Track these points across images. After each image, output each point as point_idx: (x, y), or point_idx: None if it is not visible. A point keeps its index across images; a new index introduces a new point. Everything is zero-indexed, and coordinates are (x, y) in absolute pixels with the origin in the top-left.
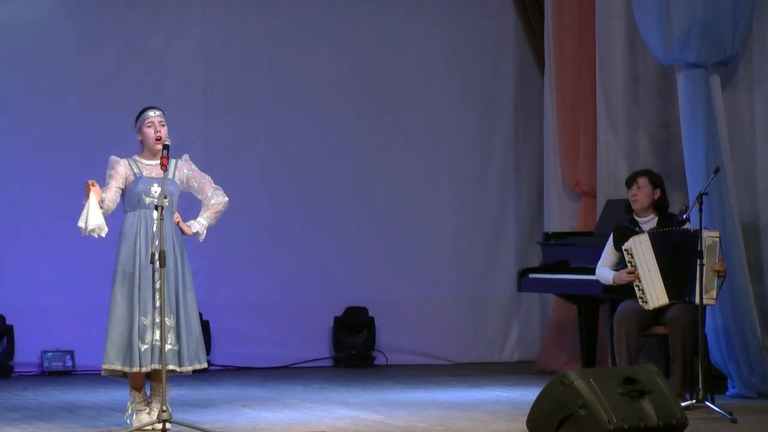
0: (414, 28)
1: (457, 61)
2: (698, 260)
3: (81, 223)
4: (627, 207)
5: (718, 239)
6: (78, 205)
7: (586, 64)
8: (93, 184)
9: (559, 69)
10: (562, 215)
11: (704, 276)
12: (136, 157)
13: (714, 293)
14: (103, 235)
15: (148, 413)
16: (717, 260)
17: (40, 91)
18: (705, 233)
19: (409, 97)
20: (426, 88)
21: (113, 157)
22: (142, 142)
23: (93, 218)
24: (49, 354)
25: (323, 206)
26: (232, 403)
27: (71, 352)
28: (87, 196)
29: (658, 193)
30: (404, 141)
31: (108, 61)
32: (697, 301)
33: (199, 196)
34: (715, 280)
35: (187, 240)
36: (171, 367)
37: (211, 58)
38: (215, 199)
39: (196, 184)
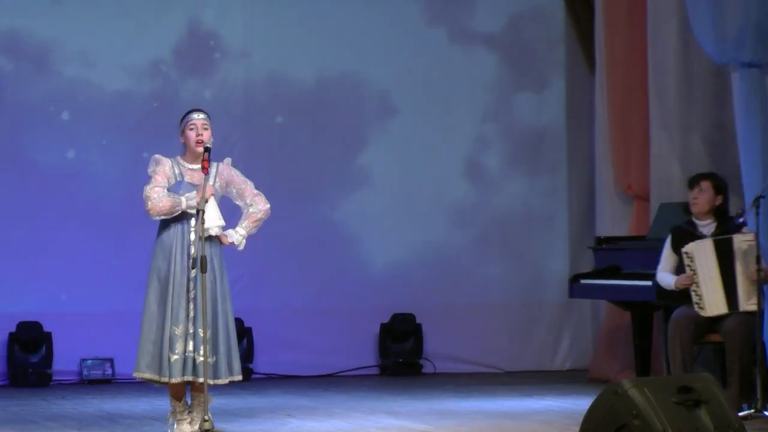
0: (460, 26)
1: (504, 60)
2: (733, 265)
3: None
4: (686, 208)
5: (754, 243)
6: (117, 212)
7: (638, 63)
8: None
9: (609, 68)
10: (614, 219)
11: (743, 282)
12: (180, 159)
13: (755, 299)
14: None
15: (190, 423)
16: (757, 266)
17: (84, 103)
18: (738, 237)
19: (455, 97)
20: (472, 87)
21: (157, 156)
22: (184, 144)
23: (214, 219)
24: (89, 362)
25: (369, 210)
26: (275, 412)
27: (111, 360)
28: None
29: (719, 200)
30: (449, 142)
31: (147, 56)
32: (742, 307)
33: (238, 202)
34: (755, 287)
35: (226, 247)
36: (201, 380)
37: (253, 56)
38: (255, 206)
39: (235, 190)
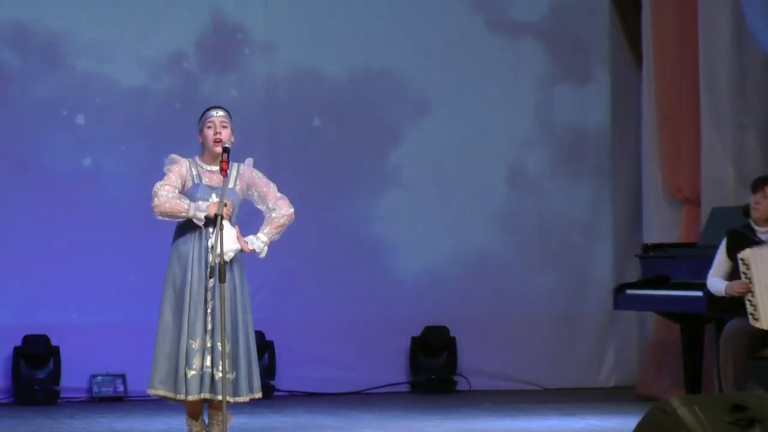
0: (498, 15)
1: (545, 52)
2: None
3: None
4: (745, 211)
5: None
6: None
7: (688, 58)
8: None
9: (657, 63)
10: (662, 225)
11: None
12: (198, 160)
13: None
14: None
15: None
16: None
17: (100, 103)
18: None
19: (492, 96)
20: (510, 81)
21: (174, 156)
22: (202, 144)
23: (230, 242)
24: (99, 378)
25: (401, 214)
26: None
27: (123, 376)
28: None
29: None
30: (486, 143)
31: (163, 53)
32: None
33: (260, 206)
34: None
35: (246, 254)
36: (220, 397)
37: (281, 50)
38: (278, 210)
39: (257, 193)
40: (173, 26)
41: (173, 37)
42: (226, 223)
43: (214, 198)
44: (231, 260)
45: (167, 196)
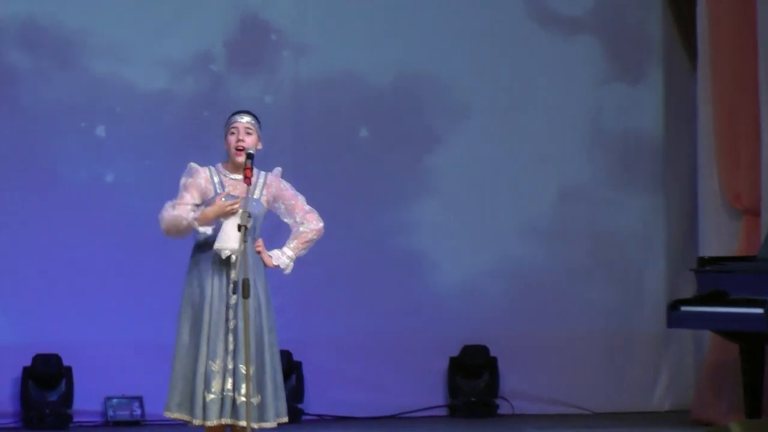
0: (541, 6)
1: (592, 55)
2: None
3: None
4: None
5: None
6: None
7: (747, 57)
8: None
9: (714, 62)
10: (719, 236)
11: None
12: (220, 168)
13: None
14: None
15: None
16: None
17: (120, 112)
18: None
19: (537, 98)
20: (557, 87)
21: (193, 165)
22: (228, 150)
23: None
24: (114, 401)
25: (436, 224)
26: None
27: (139, 399)
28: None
29: None
30: (531, 150)
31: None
32: None
33: (287, 219)
34: None
35: (271, 270)
36: (243, 423)
37: (303, 53)
38: (306, 225)
39: (284, 205)
40: (199, 24)
41: (199, 36)
42: (230, 223)
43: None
44: (254, 276)
45: (173, 213)
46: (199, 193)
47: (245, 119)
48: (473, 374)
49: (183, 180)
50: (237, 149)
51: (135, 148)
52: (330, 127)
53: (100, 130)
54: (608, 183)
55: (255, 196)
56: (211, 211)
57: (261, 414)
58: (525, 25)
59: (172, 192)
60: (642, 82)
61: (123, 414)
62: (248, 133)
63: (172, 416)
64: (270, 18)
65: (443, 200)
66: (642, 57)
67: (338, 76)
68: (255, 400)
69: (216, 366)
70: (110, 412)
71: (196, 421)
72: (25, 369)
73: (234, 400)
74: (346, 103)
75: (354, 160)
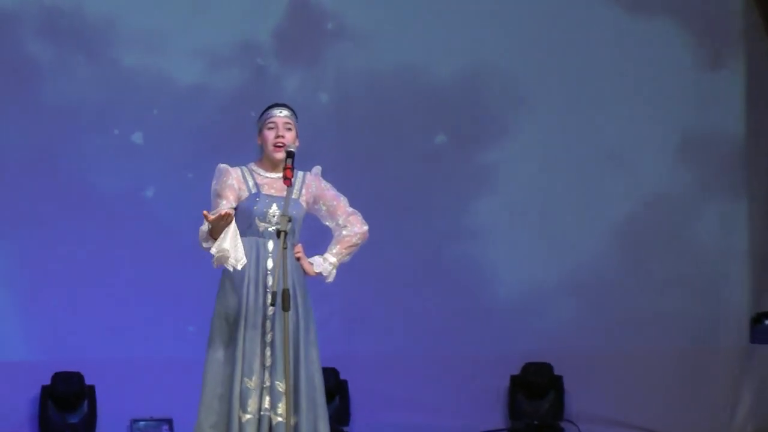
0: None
1: (666, 34)
2: None
3: (219, 251)
4: None
5: None
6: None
7: None
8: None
9: None
10: None
11: None
12: (253, 167)
13: None
14: (239, 267)
15: None
16: None
17: (157, 115)
18: None
19: (606, 92)
20: (629, 78)
21: (222, 166)
22: (261, 146)
23: (234, 246)
24: (141, 423)
25: (496, 228)
26: None
27: (169, 421)
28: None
29: None
30: (602, 147)
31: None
32: None
33: (328, 223)
34: None
35: (312, 278)
36: None
37: (358, 44)
38: (350, 228)
39: (325, 207)
40: (243, 12)
41: (244, 26)
42: (232, 228)
43: (276, 209)
44: (294, 286)
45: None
46: (234, 195)
47: (284, 113)
48: (536, 394)
49: (213, 186)
50: (276, 146)
51: (168, 157)
52: (381, 124)
53: (130, 134)
54: (685, 186)
55: (293, 197)
56: (208, 229)
57: None
58: (597, 11)
59: (195, 193)
60: (721, 74)
61: None
62: (288, 129)
63: None
64: (327, 5)
65: (505, 203)
66: (722, 54)
67: (394, 69)
68: (292, 421)
69: (252, 383)
70: None
71: None
72: (44, 388)
73: (270, 421)
74: (401, 97)
75: (398, 160)
